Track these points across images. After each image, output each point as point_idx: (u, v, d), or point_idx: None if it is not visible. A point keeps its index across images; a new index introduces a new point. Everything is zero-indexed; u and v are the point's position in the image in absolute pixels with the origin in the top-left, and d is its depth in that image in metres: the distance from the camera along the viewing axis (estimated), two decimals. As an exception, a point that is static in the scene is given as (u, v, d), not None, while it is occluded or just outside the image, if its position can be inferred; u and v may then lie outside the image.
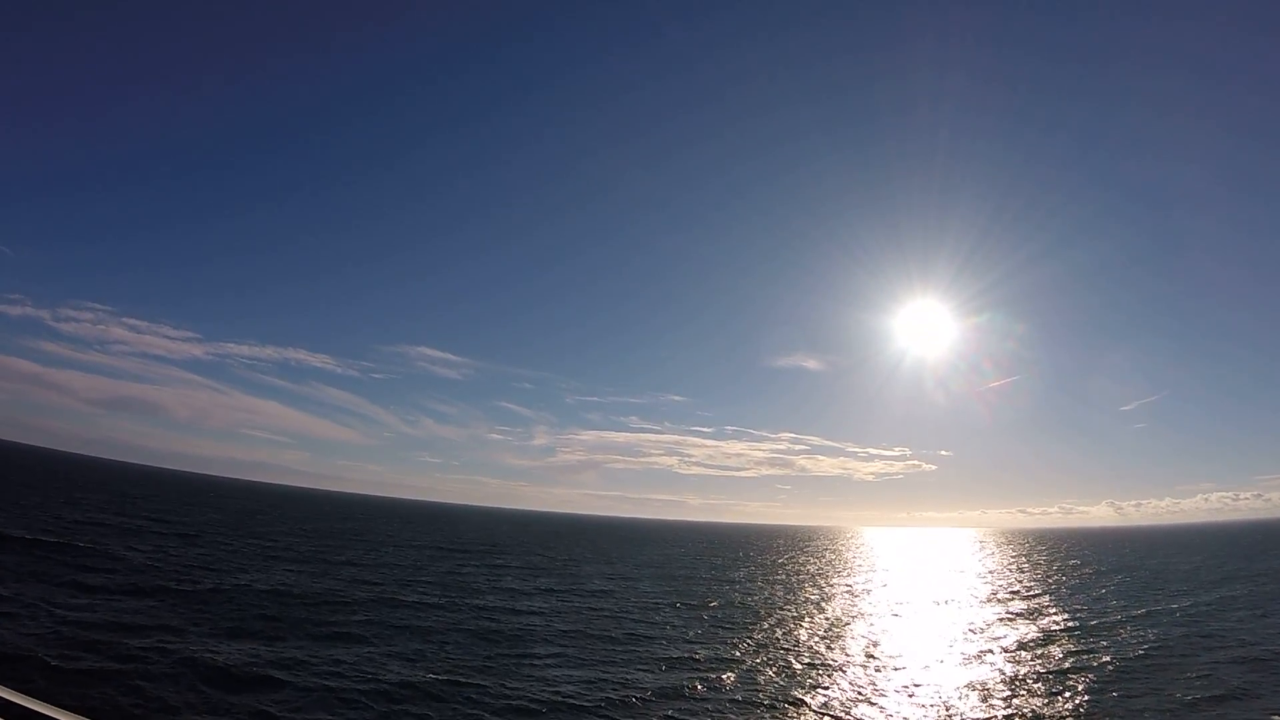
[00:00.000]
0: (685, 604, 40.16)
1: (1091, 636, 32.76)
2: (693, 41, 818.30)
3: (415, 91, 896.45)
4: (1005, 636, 32.72)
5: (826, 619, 37.66)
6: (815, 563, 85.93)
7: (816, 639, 31.32)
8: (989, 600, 47.74)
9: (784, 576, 63.30)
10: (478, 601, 35.34)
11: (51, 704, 3.92)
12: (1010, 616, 39.48)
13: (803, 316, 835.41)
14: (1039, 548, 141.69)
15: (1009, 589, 55.30)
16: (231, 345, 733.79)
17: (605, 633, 30.01)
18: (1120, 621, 36.74)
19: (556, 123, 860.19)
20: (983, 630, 34.94)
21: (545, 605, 36.06)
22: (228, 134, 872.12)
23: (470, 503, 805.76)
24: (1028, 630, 34.37)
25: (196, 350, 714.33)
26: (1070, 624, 36.38)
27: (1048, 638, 32.38)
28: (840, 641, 31.11)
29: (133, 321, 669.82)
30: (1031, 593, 52.34)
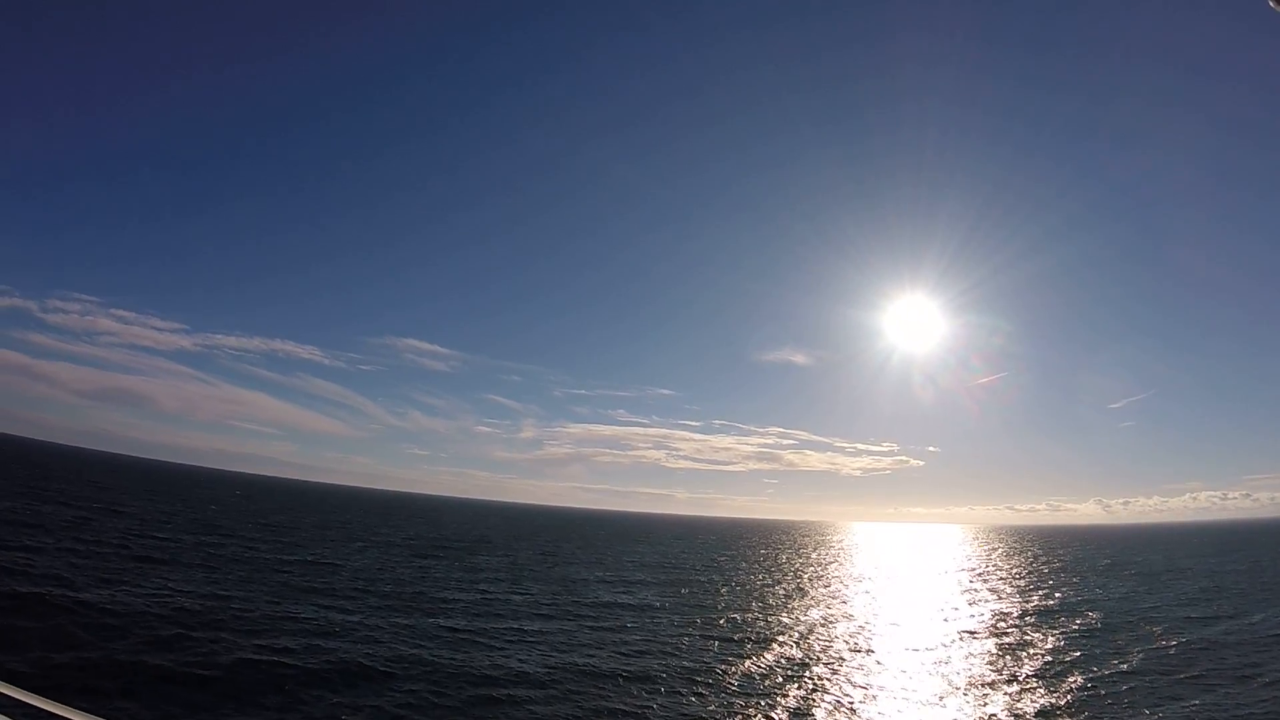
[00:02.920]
0: (707, 627, 35.77)
1: (1087, 634, 33.28)
2: (679, 35, 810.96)
3: (403, 85, 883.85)
4: (997, 633, 33.24)
5: (848, 626, 33.45)
6: (814, 561, 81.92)
7: (840, 651, 27.08)
8: (984, 598, 46.40)
9: (790, 578, 59.05)
10: (445, 623, 30.69)
11: (63, 704, 3.83)
12: (1001, 613, 40.03)
13: (790, 311, 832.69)
14: (1027, 545, 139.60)
15: (1001, 586, 55.34)
16: (219, 337, 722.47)
17: (616, 675, 25.40)
18: (1109, 617, 37.99)
19: (543, 116, 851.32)
20: (979, 628, 35.12)
21: (535, 626, 31.47)
22: (214, 126, 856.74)
23: (458, 495, 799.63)
24: (1018, 627, 34.84)
25: (184, 341, 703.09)
26: (1063, 621, 37.03)
27: (1038, 634, 32.74)
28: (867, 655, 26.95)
29: (120, 313, 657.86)
30: (1022, 589, 52.90)
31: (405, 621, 27.69)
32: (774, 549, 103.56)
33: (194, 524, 57.81)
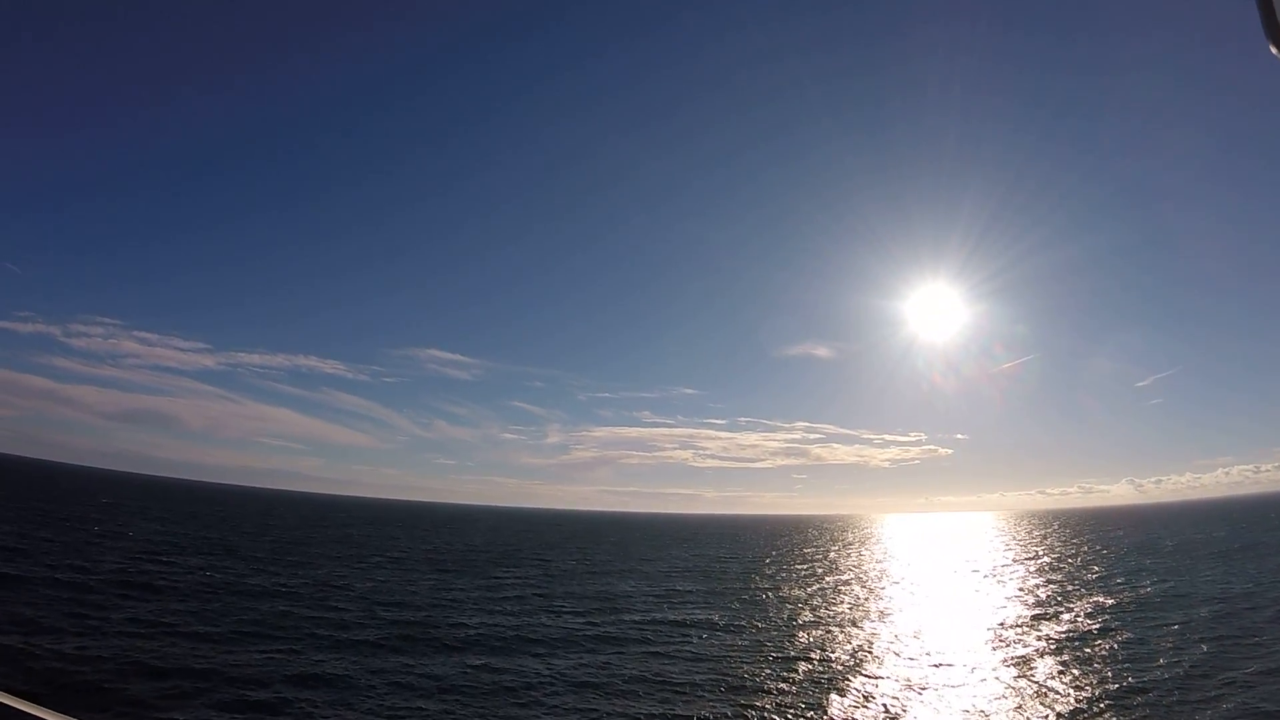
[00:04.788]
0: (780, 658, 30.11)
1: (1138, 619, 31.85)
2: (701, 28, 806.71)
3: (418, 93, 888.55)
4: (1050, 625, 31.19)
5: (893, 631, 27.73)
6: (863, 560, 75.58)
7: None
8: (1034, 587, 43.51)
9: (846, 581, 53.02)
10: (456, 661, 25.38)
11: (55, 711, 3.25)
12: (1049, 602, 38.54)
13: (812, 304, 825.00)
14: (1064, 529, 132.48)
15: (1048, 574, 52.83)
16: (242, 354, 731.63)
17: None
18: (1159, 602, 36.10)
19: (561, 117, 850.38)
20: (1034, 618, 33.53)
21: (570, 660, 26.03)
22: (228, 142, 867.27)
23: (486, 503, 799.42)
24: (1070, 618, 32.82)
25: (207, 360, 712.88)
26: (1108, 607, 35.26)
27: (1090, 624, 30.91)
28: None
29: (143, 334, 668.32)
30: (1044, 575, 51.70)
31: (406, 661, 22.37)
32: (816, 547, 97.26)
33: (204, 544, 53.30)
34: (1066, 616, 32.77)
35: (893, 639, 28.79)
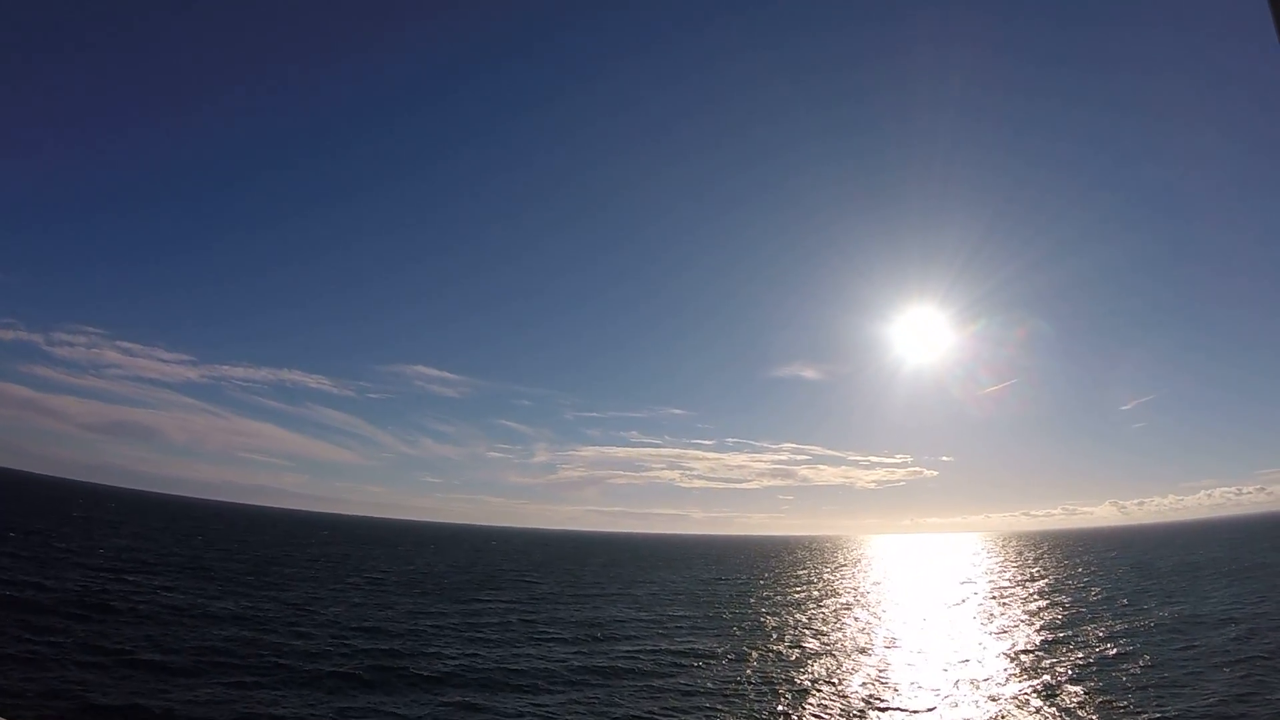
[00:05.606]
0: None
1: (1112, 638, 32.02)
2: (695, 50, 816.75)
3: (406, 114, 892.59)
4: (1069, 650, 30.22)
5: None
6: (858, 582, 73.62)
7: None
8: (1016, 608, 42.92)
9: (844, 605, 51.13)
10: (428, 698, 23.35)
11: None
12: (1029, 622, 38.80)
13: (800, 326, 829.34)
14: (1056, 551, 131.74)
15: (1028, 594, 53.57)
16: (226, 368, 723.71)
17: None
18: (1141, 622, 36.14)
19: (551, 141, 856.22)
20: (1015, 641, 33.22)
21: (558, 697, 24.06)
22: (218, 158, 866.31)
23: (472, 522, 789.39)
24: (1048, 637, 33.28)
25: (191, 373, 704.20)
26: (1087, 625, 35.98)
27: (1068, 643, 31.30)
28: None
29: (126, 344, 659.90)
30: (1047, 597, 51.17)
31: (375, 699, 20.36)
32: (808, 569, 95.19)
33: (174, 563, 50.70)
34: (1082, 640, 31.27)
35: (905, 666, 27.02)
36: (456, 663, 25.30)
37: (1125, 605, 43.23)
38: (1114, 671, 25.29)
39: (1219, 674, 24.00)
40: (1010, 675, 25.56)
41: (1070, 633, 33.71)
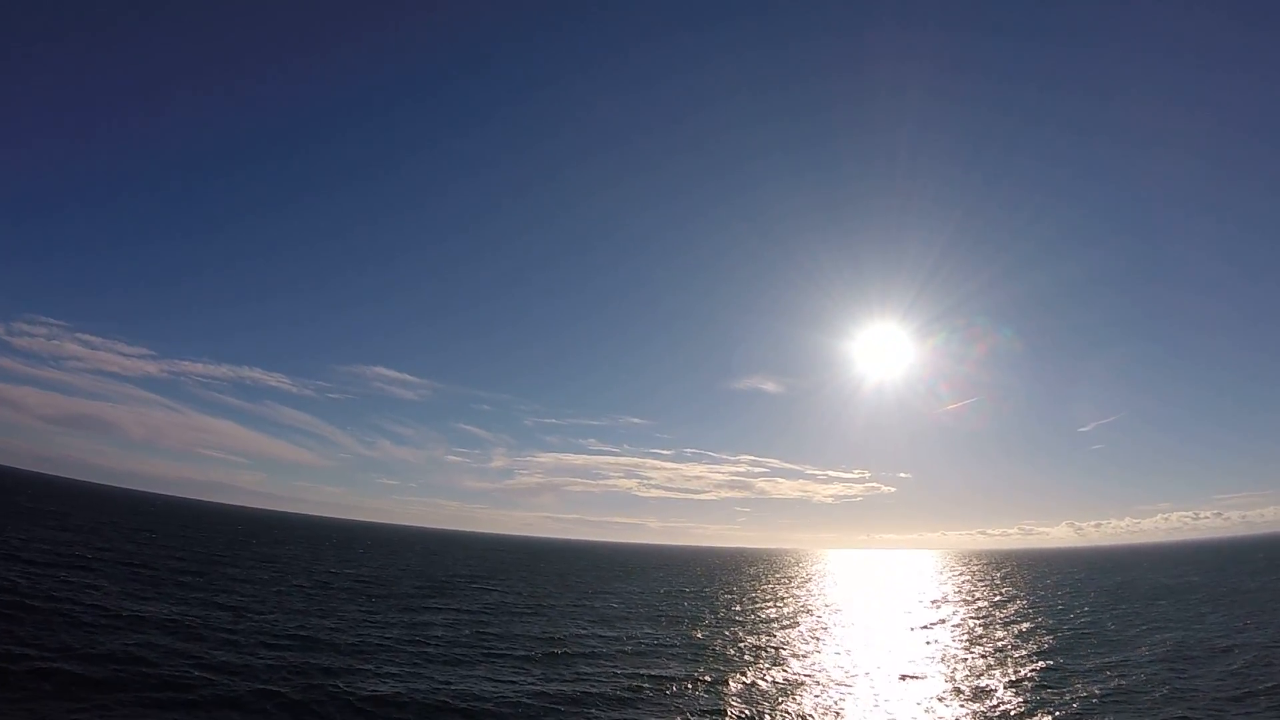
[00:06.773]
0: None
1: (1061, 654, 33.59)
2: (656, 61, 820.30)
3: (372, 116, 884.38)
4: (978, 656, 32.57)
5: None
6: (818, 598, 72.21)
7: None
8: (1028, 633, 39.79)
9: (813, 622, 49.45)
10: None
11: None
12: (977, 636, 40.19)
13: (762, 339, 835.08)
14: (999, 569, 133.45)
15: (977, 609, 54.64)
16: (186, 363, 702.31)
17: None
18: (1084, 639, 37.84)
19: (516, 144, 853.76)
20: (962, 651, 35.17)
21: None
22: (183, 154, 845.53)
23: (428, 525, 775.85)
24: (996, 648, 34.71)
25: (150, 368, 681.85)
26: (1038, 641, 37.20)
27: (1016, 654, 33.02)
28: None
29: (87, 337, 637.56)
30: (995, 612, 52.44)
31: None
32: (770, 583, 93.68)
33: (108, 559, 47.07)
34: (1077, 668, 29.71)
35: (885, 692, 25.31)
36: (400, 684, 22.90)
37: (1113, 630, 42.38)
38: (1124, 700, 23.89)
39: (1237, 706, 22.80)
40: (1013, 703, 24.01)
41: (1063, 659, 32.36)
